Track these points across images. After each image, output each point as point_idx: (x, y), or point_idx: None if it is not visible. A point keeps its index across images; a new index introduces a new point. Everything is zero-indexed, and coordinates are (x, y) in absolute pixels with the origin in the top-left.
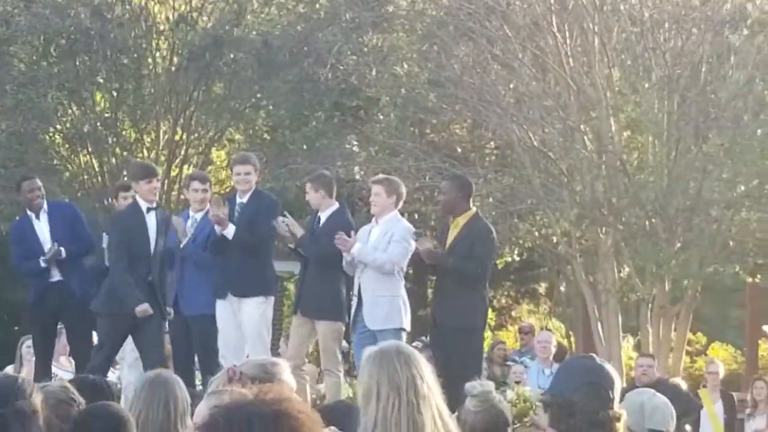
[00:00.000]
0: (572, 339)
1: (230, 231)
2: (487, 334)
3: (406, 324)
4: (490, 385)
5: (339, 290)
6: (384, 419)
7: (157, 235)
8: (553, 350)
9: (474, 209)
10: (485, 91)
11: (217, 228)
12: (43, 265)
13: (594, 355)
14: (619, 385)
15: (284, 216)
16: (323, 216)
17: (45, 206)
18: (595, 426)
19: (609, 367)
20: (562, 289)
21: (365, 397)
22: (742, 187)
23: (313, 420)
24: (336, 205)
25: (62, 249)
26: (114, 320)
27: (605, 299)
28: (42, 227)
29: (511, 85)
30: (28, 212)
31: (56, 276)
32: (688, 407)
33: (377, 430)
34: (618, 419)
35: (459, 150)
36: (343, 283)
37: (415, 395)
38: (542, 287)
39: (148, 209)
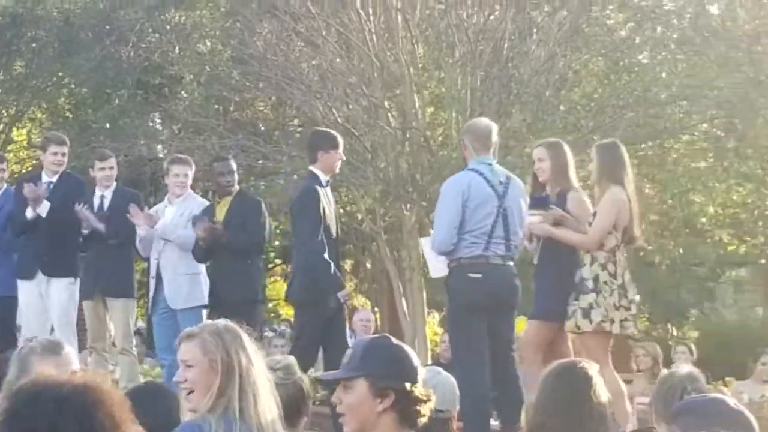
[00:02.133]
0: (378, 315)
1: (44, 209)
2: (292, 311)
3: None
4: (292, 359)
5: (132, 267)
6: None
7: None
8: (373, 328)
9: (238, 186)
10: (289, 68)
11: (31, 206)
12: None
13: (388, 334)
14: (418, 363)
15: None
16: (108, 193)
17: None
18: None
19: (407, 347)
20: (368, 266)
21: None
22: None
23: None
24: (115, 183)
25: None
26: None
27: (410, 276)
28: None
29: (315, 62)
30: None
31: None
32: None
33: (239, 404)
34: (424, 400)
35: (263, 127)
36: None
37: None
38: (348, 264)
39: (327, 182)
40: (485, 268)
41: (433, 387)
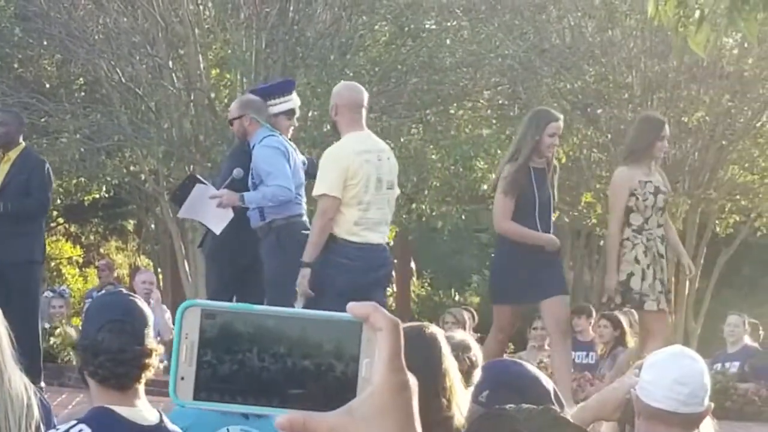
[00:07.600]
0: (161, 276)
1: None
2: (74, 270)
3: None
4: None
5: None
6: None
7: None
8: (155, 290)
9: (24, 144)
10: (73, 26)
11: None
12: None
13: (122, 290)
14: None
15: None
16: None
17: None
18: (123, 364)
19: (141, 304)
20: (152, 226)
21: None
22: (328, 126)
23: None
24: None
25: None
26: None
27: (192, 237)
28: None
29: (100, 21)
30: None
31: None
32: None
33: None
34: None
35: (47, 85)
36: None
37: None
38: (131, 224)
39: None
40: None
41: None
